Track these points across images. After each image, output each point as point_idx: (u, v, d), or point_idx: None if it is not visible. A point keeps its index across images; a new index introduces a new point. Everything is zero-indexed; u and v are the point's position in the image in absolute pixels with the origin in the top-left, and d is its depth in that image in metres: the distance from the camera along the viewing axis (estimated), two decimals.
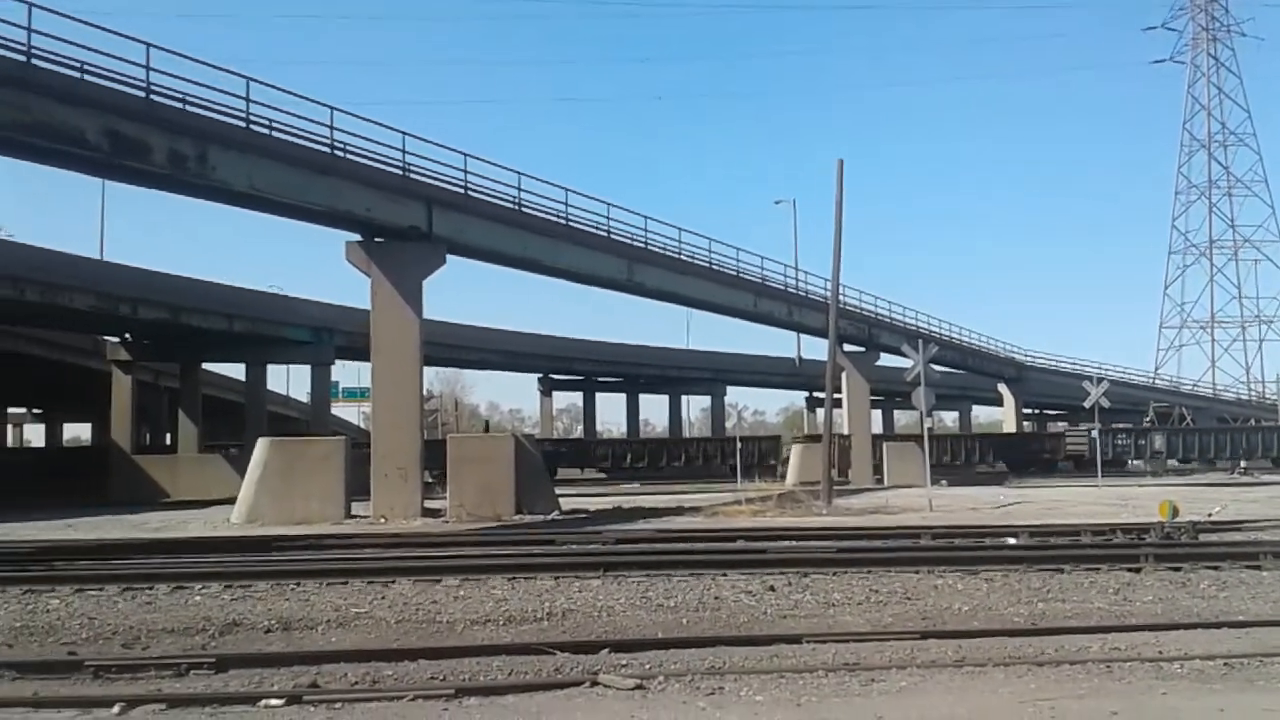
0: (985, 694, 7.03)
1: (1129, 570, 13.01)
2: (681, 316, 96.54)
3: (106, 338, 44.34)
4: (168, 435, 60.12)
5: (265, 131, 22.34)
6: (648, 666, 7.96)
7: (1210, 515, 20.42)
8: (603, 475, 54.09)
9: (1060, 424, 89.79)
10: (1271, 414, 77.08)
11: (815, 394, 75.44)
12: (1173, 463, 58.08)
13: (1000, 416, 71.05)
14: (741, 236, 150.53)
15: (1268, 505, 25.51)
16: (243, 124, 21.87)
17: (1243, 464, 55.88)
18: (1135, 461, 57.81)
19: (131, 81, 19.98)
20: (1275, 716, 6.28)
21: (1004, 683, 7.39)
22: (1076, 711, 6.43)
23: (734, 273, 39.43)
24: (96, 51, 19.46)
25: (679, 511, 26.06)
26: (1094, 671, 7.70)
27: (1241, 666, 7.81)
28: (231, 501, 26.11)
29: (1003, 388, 64.97)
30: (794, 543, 16.87)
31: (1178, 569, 13.08)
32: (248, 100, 21.95)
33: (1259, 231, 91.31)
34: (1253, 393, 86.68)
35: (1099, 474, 40.40)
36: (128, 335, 43.12)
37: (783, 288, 42.53)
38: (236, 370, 50.96)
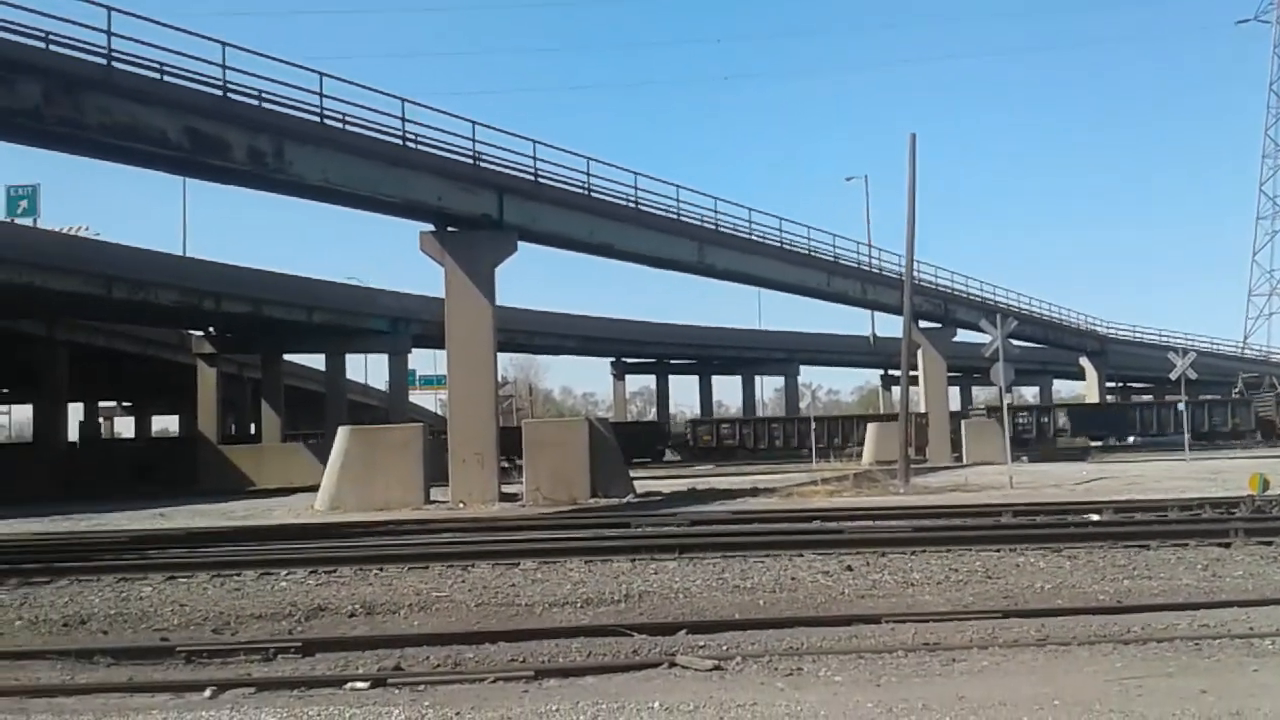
0: (1069, 673, 6.92)
1: (1218, 545, 12.68)
2: (753, 297, 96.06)
3: (191, 332, 45.58)
4: (252, 425, 61.62)
5: (339, 125, 22.70)
6: (725, 647, 7.97)
7: None
8: (677, 458, 54.17)
9: (1146, 397, 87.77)
10: None
11: (891, 372, 74.60)
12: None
13: (1082, 391, 69.57)
14: (812, 215, 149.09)
15: None
16: (317, 118, 22.25)
17: None
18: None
19: (209, 80, 20.44)
20: None
21: (1088, 661, 7.27)
22: (1164, 690, 6.30)
23: (805, 251, 39.12)
24: (174, 52, 19.98)
25: (754, 493, 26.01)
26: (1182, 649, 7.54)
27: None
28: (314, 489, 26.66)
29: (1084, 361, 63.64)
30: (871, 522, 16.72)
31: (1269, 543, 12.71)
32: (321, 95, 22.34)
33: None
34: None
35: (1186, 447, 39.38)
36: (211, 329, 44.27)
37: (856, 265, 42.11)
38: (317, 360, 52.07)
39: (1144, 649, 7.59)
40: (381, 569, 12.41)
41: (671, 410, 78.27)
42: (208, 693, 7.05)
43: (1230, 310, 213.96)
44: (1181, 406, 41.57)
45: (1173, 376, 37.77)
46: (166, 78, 19.75)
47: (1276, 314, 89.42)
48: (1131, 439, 58.15)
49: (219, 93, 20.57)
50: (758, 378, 75.93)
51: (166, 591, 11.38)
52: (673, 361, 71.53)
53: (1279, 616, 8.52)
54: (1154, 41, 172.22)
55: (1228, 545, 12.70)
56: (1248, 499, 17.35)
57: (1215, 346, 73.59)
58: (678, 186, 32.54)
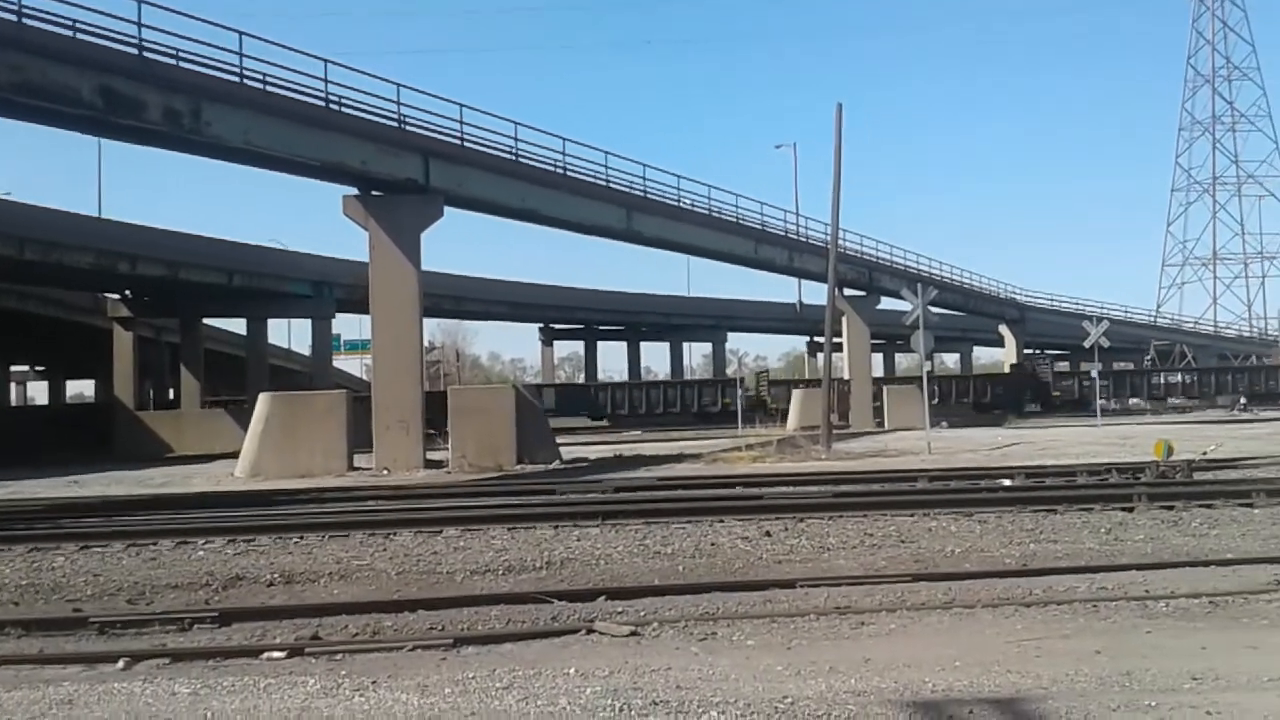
0: (973, 635, 7.17)
1: (1122, 510, 13.15)
2: (682, 263, 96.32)
3: (107, 295, 44.43)
4: (170, 391, 60.37)
5: (259, 86, 22.24)
6: (643, 613, 8.10)
7: (1205, 453, 20.57)
8: (604, 423, 54.32)
9: (1063, 364, 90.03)
10: (1272, 350, 77.19)
11: (816, 339, 75.47)
12: (1175, 400, 58.29)
13: (1001, 358, 71.12)
14: (742, 183, 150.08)
15: (1265, 442, 25.67)
16: (237, 79, 21.78)
17: (1243, 400, 56.05)
18: (1135, 400, 58.02)
19: (124, 39, 19.92)
20: (1256, 653, 6.37)
21: (992, 623, 7.53)
22: (1062, 651, 6.55)
23: (733, 219, 39.35)
24: (88, 9, 19.47)
25: (679, 459, 26.28)
26: (1080, 611, 7.84)
27: (1226, 604, 7.94)
28: (235, 456, 26.33)
29: (1004, 329, 64.99)
30: (792, 488, 17.04)
31: (1170, 508, 13.20)
32: (241, 55, 21.88)
33: (1262, 167, 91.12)
34: (1254, 329, 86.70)
35: (1098, 413, 40.56)
36: (128, 292, 43.22)
37: (783, 233, 42.45)
38: (238, 325, 51.11)
39: (1045, 611, 7.88)
40: (302, 537, 12.34)
41: (600, 376, 78.37)
42: (121, 664, 6.99)
43: (1147, 280, 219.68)
44: (1094, 373, 42.75)
45: (1086, 344, 38.87)
46: (80, 35, 19.19)
47: (1189, 284, 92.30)
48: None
49: (135, 51, 20.04)
50: (686, 344, 76.29)
51: (80, 561, 11.20)
52: (601, 327, 71.55)
53: (1174, 579, 8.88)
54: (1078, 13, 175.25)
55: (1131, 510, 13.17)
56: (1152, 464, 17.96)
57: (1129, 315, 75.62)
58: (606, 153, 32.54)
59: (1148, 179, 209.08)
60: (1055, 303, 69.99)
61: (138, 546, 12.05)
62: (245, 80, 21.92)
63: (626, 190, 33.42)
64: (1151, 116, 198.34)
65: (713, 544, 11.29)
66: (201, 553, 11.64)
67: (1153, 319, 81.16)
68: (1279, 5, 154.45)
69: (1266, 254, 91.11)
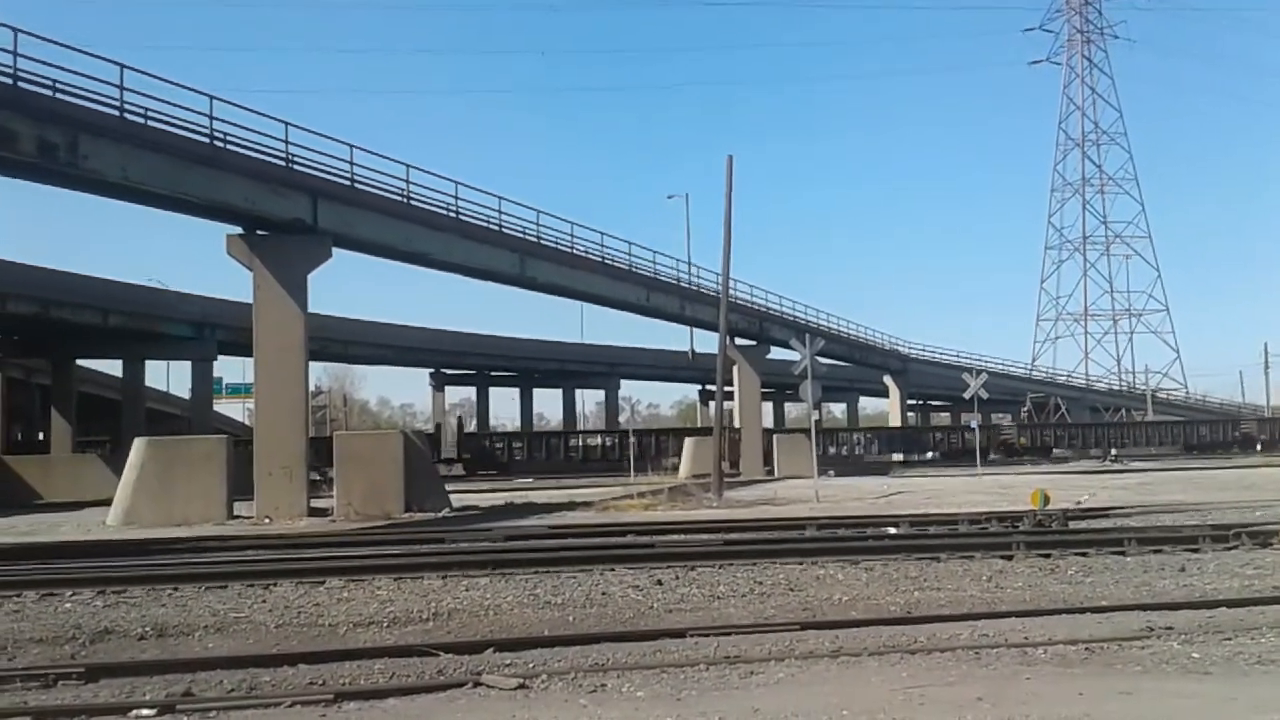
0: (859, 684, 7.22)
1: (1001, 558, 13.48)
2: (576, 310, 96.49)
3: None
4: (40, 434, 57.84)
5: (140, 120, 21.64)
6: (532, 665, 7.96)
7: (1079, 502, 21.28)
8: (494, 471, 53.78)
9: (944, 414, 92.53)
10: (1141, 404, 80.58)
11: (708, 387, 76.16)
12: (1057, 450, 60.35)
13: (886, 408, 72.81)
14: (635, 234, 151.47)
15: (1135, 492, 26.69)
16: (116, 112, 21.15)
17: (1114, 452, 58.33)
18: (1016, 451, 59.88)
19: None
20: (1130, 699, 6.56)
21: (877, 671, 7.60)
22: (945, 699, 6.64)
23: (626, 267, 39.63)
24: None
25: (571, 506, 26.10)
26: (963, 658, 7.97)
27: (1102, 651, 8.16)
28: (108, 503, 25.22)
29: (888, 379, 66.63)
30: (683, 536, 17.05)
31: (1047, 555, 13.60)
32: (122, 88, 21.28)
33: (1129, 228, 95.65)
34: (1124, 383, 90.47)
35: (978, 463, 41.71)
36: None
37: (675, 282, 42.89)
38: (114, 367, 49.33)
39: (929, 658, 7.99)
40: (176, 589, 11.86)
41: (492, 422, 77.71)
42: None
43: (1023, 334, 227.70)
44: (974, 424, 44.01)
45: (966, 395, 39.99)
46: None
47: (1062, 338, 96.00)
48: (930, 454, 61.20)
49: (9, 80, 19.35)
50: (579, 391, 76.35)
51: None
52: (494, 373, 71.12)
53: (1053, 626, 9.10)
54: (966, 78, 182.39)
55: (1010, 557, 13.52)
56: (1030, 513, 18.50)
57: (1006, 368, 78.21)
58: (499, 198, 32.56)
59: (1023, 237, 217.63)
60: (937, 355, 72.06)
61: (0, 598, 11.42)
62: (126, 114, 21.30)
63: (520, 235, 33.42)
64: (1028, 175, 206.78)
65: (604, 593, 11.20)
66: (68, 605, 11.08)
67: (1029, 372, 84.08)
68: (1146, 74, 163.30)
69: (1134, 311, 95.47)
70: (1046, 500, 19.68)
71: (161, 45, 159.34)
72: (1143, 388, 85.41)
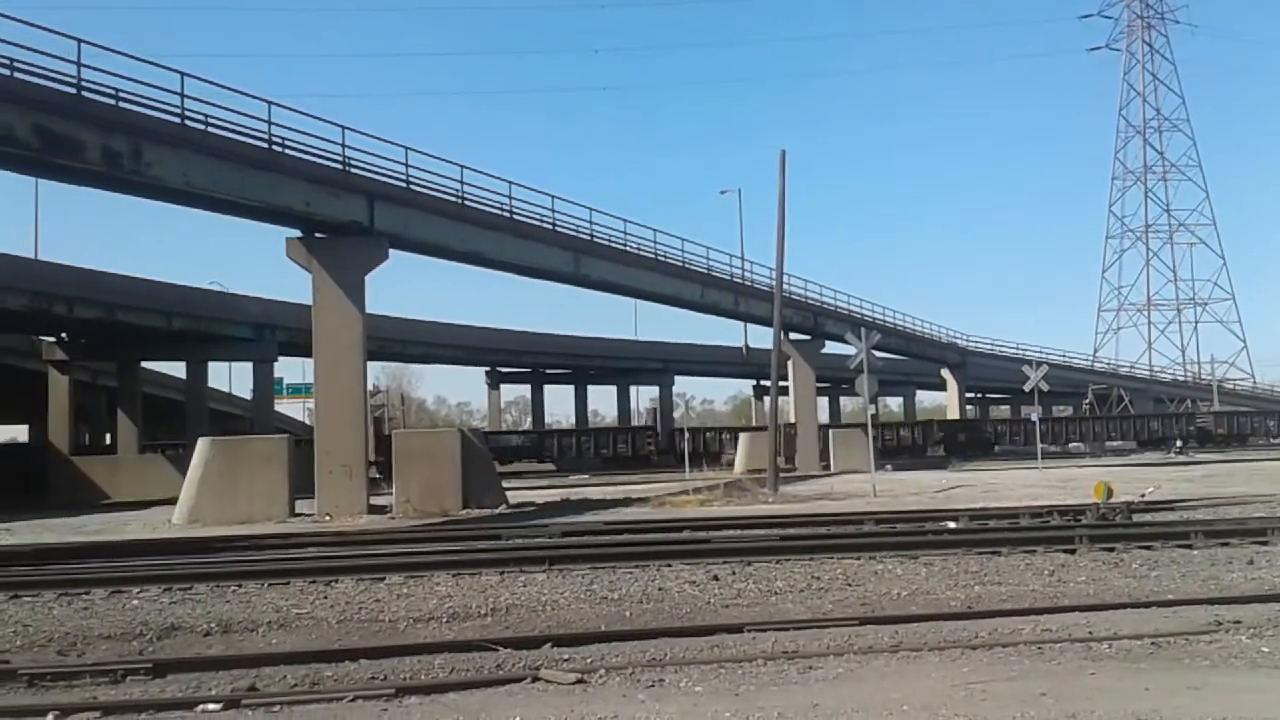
0: (919, 679, 7.15)
1: (1064, 552, 13.29)
2: (629, 307, 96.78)
3: (42, 338, 43.49)
4: (107, 436, 59.10)
5: (201, 127, 22.00)
6: (589, 660, 8.00)
7: (1144, 495, 20.87)
8: (552, 467, 54.04)
9: (1004, 407, 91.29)
10: (1207, 394, 78.86)
11: (763, 382, 75.77)
12: (1114, 443, 59.27)
13: (944, 401, 71.97)
14: (688, 229, 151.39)
15: (1200, 485, 26.15)
16: (178, 119, 21.54)
17: (1179, 443, 57.15)
18: (1076, 444, 58.92)
19: (62, 78, 19.65)
20: (1199, 694, 6.43)
21: (938, 666, 7.53)
22: (1007, 694, 6.56)
23: (680, 263, 39.54)
24: (25, 48, 19.17)
25: (626, 503, 26.16)
26: (1025, 654, 7.87)
27: (1168, 645, 8.02)
28: (173, 502, 25.74)
29: (946, 373, 65.83)
30: (739, 531, 17.02)
31: (1111, 549, 13.38)
32: (182, 95, 21.63)
33: (1193, 215, 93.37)
34: (1189, 373, 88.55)
35: (1039, 456, 41.11)
36: (64, 335, 42.35)
37: (729, 278, 42.72)
38: (177, 369, 50.27)
39: (990, 653, 7.90)
40: (240, 585, 12.07)
41: (547, 420, 78.08)
42: (50, 717, 6.75)
43: (1084, 325, 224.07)
44: (1034, 417, 43.37)
45: (1026, 388, 39.45)
46: (17, 74, 18.91)
47: (1124, 329, 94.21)
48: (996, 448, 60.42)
49: (73, 90, 19.77)
50: (633, 387, 76.32)
51: (9, 611, 10.84)
52: (548, 371, 71.37)
53: (1117, 620, 8.96)
54: (1022, 66, 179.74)
55: (1073, 551, 13.31)
56: (1093, 507, 18.19)
57: (1067, 360, 76.87)
58: (553, 197, 32.63)
59: (1084, 226, 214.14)
60: (996, 347, 71.03)
61: (69, 596, 11.70)
62: (187, 121, 21.67)
63: (573, 234, 33.49)
64: (1086, 164, 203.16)
65: (660, 589, 11.22)
66: (136, 602, 11.33)
67: (1090, 364, 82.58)
68: (1208, 60, 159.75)
69: (1198, 300, 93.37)
70: (1110, 493, 19.33)
71: (217, 53, 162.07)
72: (1209, 378, 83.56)
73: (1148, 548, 13.46)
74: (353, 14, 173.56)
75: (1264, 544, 13.63)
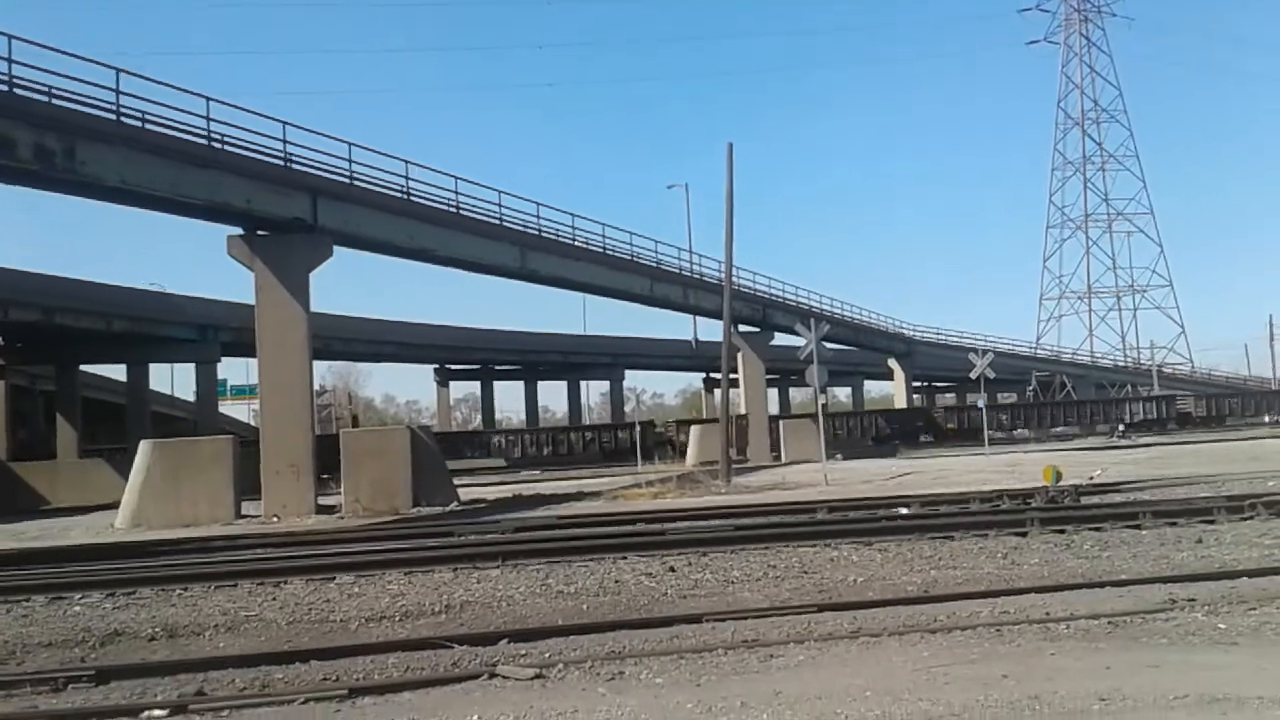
0: (880, 664, 7.12)
1: (1016, 535, 13.38)
2: (578, 302, 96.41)
3: None
4: (47, 440, 57.83)
5: (137, 124, 21.53)
6: (547, 655, 7.87)
7: (1091, 478, 21.17)
8: (503, 464, 53.70)
9: (949, 395, 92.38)
10: (1147, 379, 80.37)
11: (713, 375, 75.97)
12: (1058, 428, 60.18)
13: (891, 390, 72.64)
14: (637, 225, 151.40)
15: (1145, 466, 26.56)
16: (113, 116, 21.04)
17: (1120, 427, 58.15)
18: (1022, 429, 59.71)
19: None
20: (1159, 671, 6.45)
21: (898, 651, 7.50)
22: (969, 677, 6.54)
23: (629, 257, 39.49)
24: None
25: (579, 497, 26.02)
26: (984, 636, 7.87)
27: (1126, 624, 8.05)
28: (115, 507, 25.16)
29: (893, 363, 66.44)
30: (693, 522, 16.91)
31: (1062, 531, 13.50)
32: (118, 92, 21.18)
33: (1131, 204, 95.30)
34: (1129, 359, 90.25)
35: (985, 442, 41.59)
36: None
37: (678, 271, 42.75)
38: (118, 371, 49.31)
39: (950, 637, 7.89)
40: (186, 589, 11.79)
41: (497, 416, 77.69)
42: None
43: (1026, 313, 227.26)
44: (980, 404, 43.87)
45: (973, 375, 39.87)
46: None
47: (1066, 316, 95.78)
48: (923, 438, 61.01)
49: (4, 87, 19.25)
50: (584, 382, 76.22)
51: None
52: (498, 367, 71.00)
53: (1073, 601, 9.00)
54: (965, 60, 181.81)
55: (1025, 534, 13.41)
56: (1042, 490, 18.39)
57: (1012, 347, 77.98)
58: (500, 192, 32.48)
59: (1026, 216, 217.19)
60: (942, 337, 71.86)
61: (8, 603, 11.33)
62: (123, 118, 21.19)
63: (521, 229, 33.30)
64: (1027, 156, 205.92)
65: (617, 581, 11.11)
66: (78, 608, 11.00)
67: (1034, 351, 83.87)
68: (1144, 52, 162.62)
69: (1137, 287, 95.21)
70: (1059, 476, 19.56)
71: (160, 50, 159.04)
72: (1148, 363, 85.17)
73: (1098, 529, 13.59)
74: (300, 9, 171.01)
75: (1211, 523, 13.83)
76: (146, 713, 6.72)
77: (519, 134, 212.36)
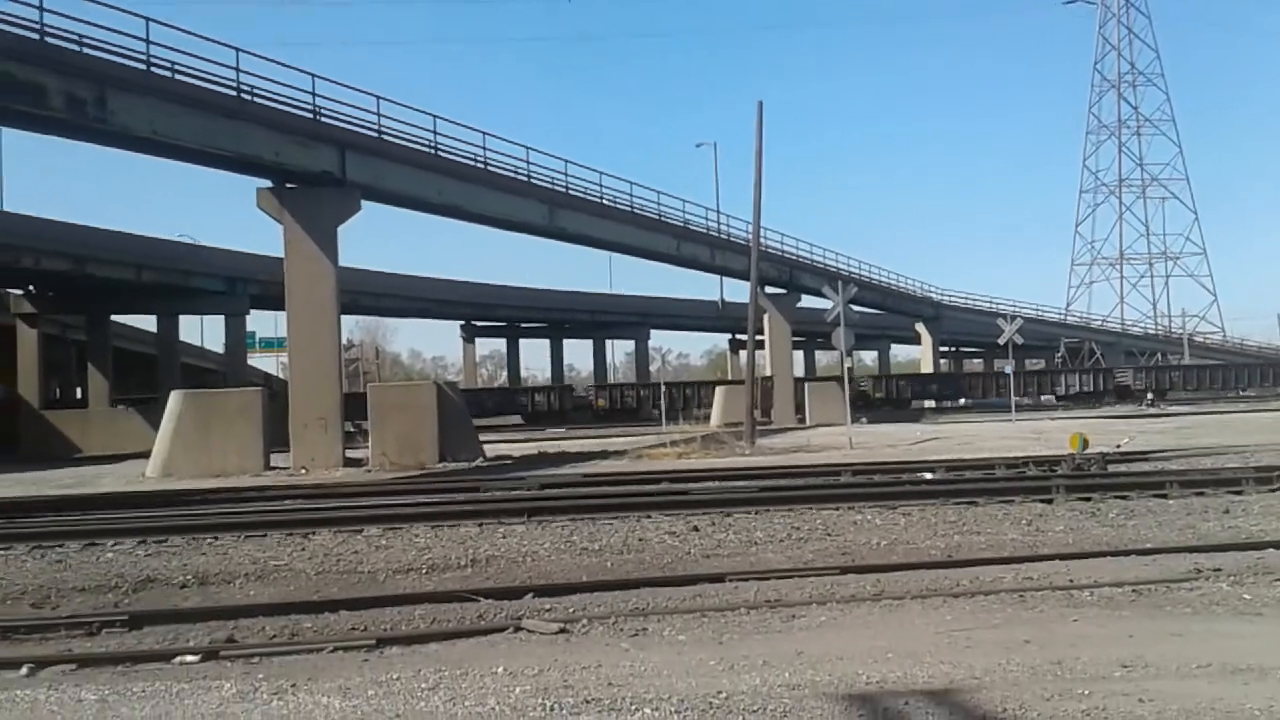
0: (903, 626, 7.15)
1: (1041, 502, 13.35)
2: (605, 261, 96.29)
3: (9, 290, 42.80)
4: (78, 390, 58.52)
5: (167, 74, 21.56)
6: (572, 610, 7.96)
7: (1119, 446, 21.04)
8: (527, 421, 54.01)
9: (976, 361, 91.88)
10: (1178, 348, 79.60)
11: (738, 336, 75.78)
12: (1086, 395, 59.80)
13: (918, 355, 72.31)
14: (664, 183, 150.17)
15: (1173, 436, 26.39)
16: (143, 66, 21.07)
17: (1150, 396, 57.70)
18: (1047, 396, 59.40)
19: (23, 23, 19.17)
20: (1182, 640, 6.45)
21: (921, 614, 7.53)
22: (991, 641, 6.56)
23: (656, 216, 39.33)
24: None
25: (604, 455, 26.15)
26: (1008, 601, 7.88)
27: (1149, 593, 8.04)
28: (145, 456, 25.54)
29: (920, 327, 66.04)
30: (718, 483, 17.02)
31: (1088, 499, 13.46)
32: (148, 42, 21.19)
33: (1166, 170, 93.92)
34: (1160, 327, 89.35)
35: (1013, 409, 41.40)
36: (31, 287, 41.69)
37: (705, 231, 42.54)
38: (149, 322, 49.69)
39: (973, 601, 7.91)
40: (216, 538, 11.96)
41: (523, 374, 77.93)
42: (24, 670, 6.64)
43: (1057, 279, 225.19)
44: (1008, 369, 43.61)
45: (1001, 341, 39.62)
46: None
47: (1097, 283, 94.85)
48: (963, 400, 60.83)
49: (36, 35, 19.28)
50: (609, 341, 76.13)
51: None
52: (524, 325, 71.02)
53: (1097, 569, 8.99)
54: (1000, 20, 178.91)
55: (1050, 501, 13.38)
56: (1068, 457, 18.30)
57: (1041, 313, 77.32)
58: (528, 148, 32.32)
59: (1058, 180, 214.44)
60: (970, 301, 71.29)
61: (43, 549, 11.56)
62: (153, 69, 21.22)
63: (549, 186, 33.20)
64: (1061, 118, 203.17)
65: (640, 539, 11.19)
66: (110, 554, 11.20)
67: (1063, 317, 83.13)
68: (1183, 13, 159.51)
69: (1170, 254, 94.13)
70: (1085, 444, 19.46)
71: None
72: (1179, 332, 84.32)
73: (1124, 497, 13.54)
74: None
75: (1239, 494, 13.76)
76: (179, 658, 6.84)
77: (544, 89, 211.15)
